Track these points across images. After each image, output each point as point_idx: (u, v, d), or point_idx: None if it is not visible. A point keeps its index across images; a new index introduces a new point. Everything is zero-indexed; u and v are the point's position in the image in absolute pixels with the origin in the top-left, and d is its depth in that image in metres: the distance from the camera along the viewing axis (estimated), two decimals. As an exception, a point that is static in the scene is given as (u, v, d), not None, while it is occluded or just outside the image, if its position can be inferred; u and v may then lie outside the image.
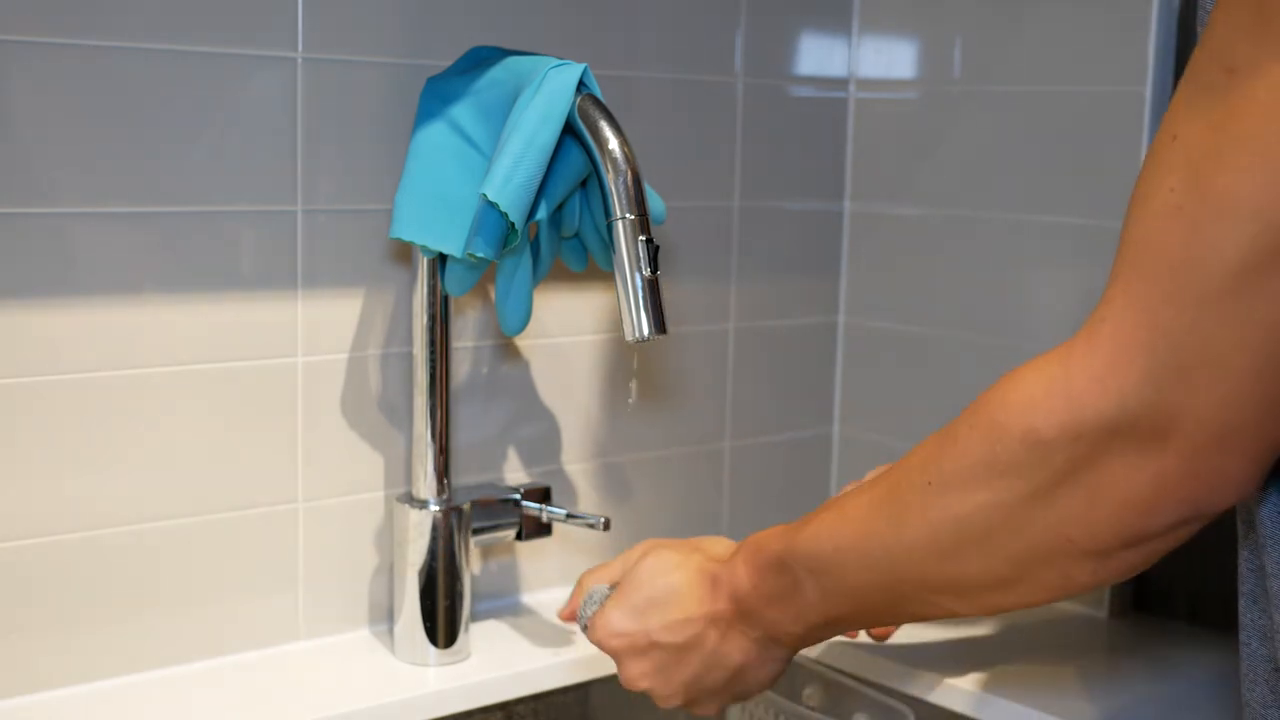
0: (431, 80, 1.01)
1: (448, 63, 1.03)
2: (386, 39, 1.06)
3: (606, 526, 1.10)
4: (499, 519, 1.12)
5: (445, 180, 0.97)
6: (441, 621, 1.06)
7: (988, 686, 1.05)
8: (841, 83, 1.36)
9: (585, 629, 0.93)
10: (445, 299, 1.03)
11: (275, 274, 1.03)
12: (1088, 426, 0.63)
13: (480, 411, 1.15)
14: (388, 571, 1.11)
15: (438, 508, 1.05)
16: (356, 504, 1.09)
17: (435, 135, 0.98)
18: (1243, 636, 0.72)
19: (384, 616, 1.12)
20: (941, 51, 1.30)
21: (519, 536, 1.14)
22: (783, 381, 1.36)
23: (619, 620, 0.88)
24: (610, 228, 0.89)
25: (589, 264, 1.03)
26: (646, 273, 0.88)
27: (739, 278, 1.31)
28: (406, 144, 1.01)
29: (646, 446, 1.26)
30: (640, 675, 0.89)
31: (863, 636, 1.08)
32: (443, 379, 1.04)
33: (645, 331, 0.89)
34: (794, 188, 1.34)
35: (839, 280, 1.39)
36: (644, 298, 0.89)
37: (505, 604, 1.19)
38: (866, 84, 1.36)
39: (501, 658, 1.08)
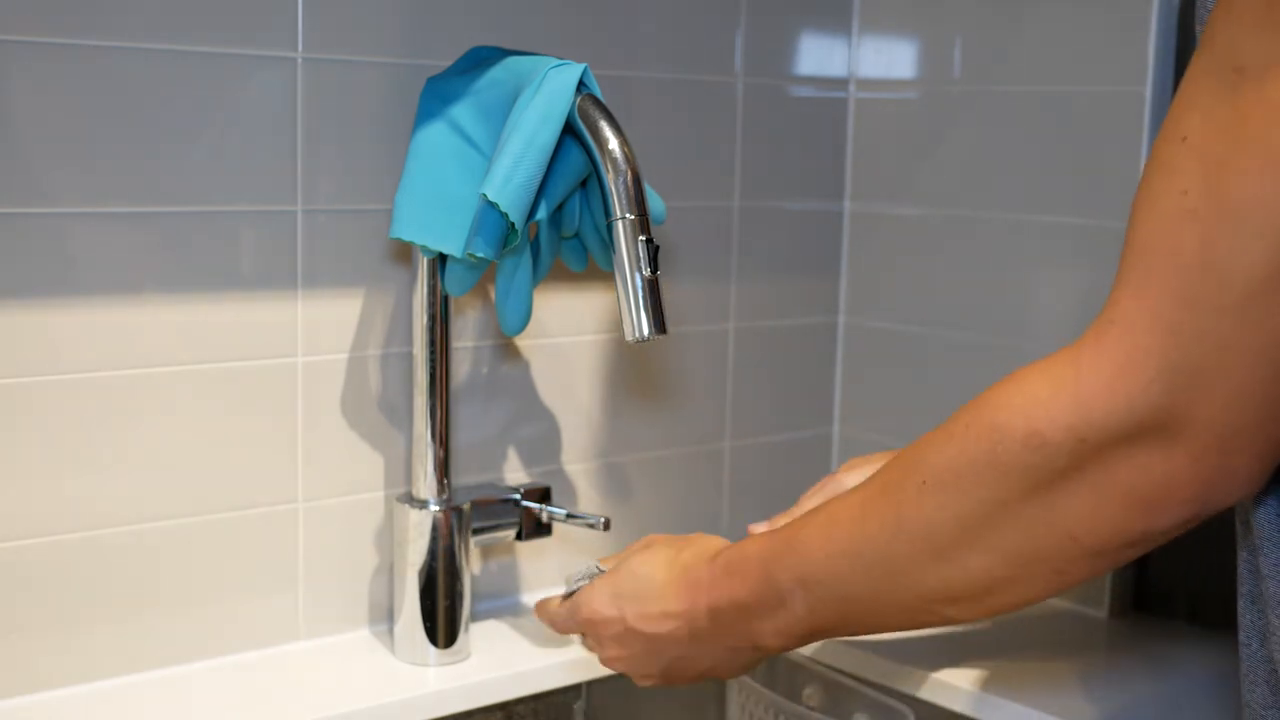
0: (431, 80, 1.01)
1: (448, 63, 1.03)
2: (386, 39, 1.06)
3: (606, 526, 1.10)
4: (499, 519, 1.12)
5: (445, 180, 0.97)
6: (441, 621, 1.06)
7: (987, 686, 1.05)
8: (841, 83, 1.36)
9: (560, 607, 0.98)
10: (445, 299, 1.03)
11: (275, 274, 1.03)
12: (1095, 429, 0.63)
13: (480, 411, 1.15)
14: (388, 571, 1.11)
15: (438, 508, 1.05)
16: (356, 504, 1.09)
17: (435, 135, 0.98)
18: (1242, 637, 0.71)
19: (384, 616, 1.12)
20: (941, 51, 1.30)
21: (519, 536, 1.14)
22: (783, 381, 1.36)
23: (599, 603, 0.93)
24: (610, 228, 0.89)
25: (589, 264, 1.03)
26: (646, 273, 0.88)
27: (739, 278, 1.31)
28: (406, 144, 1.01)
29: (646, 446, 1.26)
30: (614, 658, 0.93)
31: (850, 644, 1.08)
32: (443, 379, 1.04)
33: (645, 331, 0.89)
34: (794, 188, 1.34)
35: (839, 280, 1.39)
36: (644, 298, 0.89)
37: (505, 604, 1.19)
38: (866, 84, 1.36)
39: (501, 658, 1.08)
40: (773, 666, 1.15)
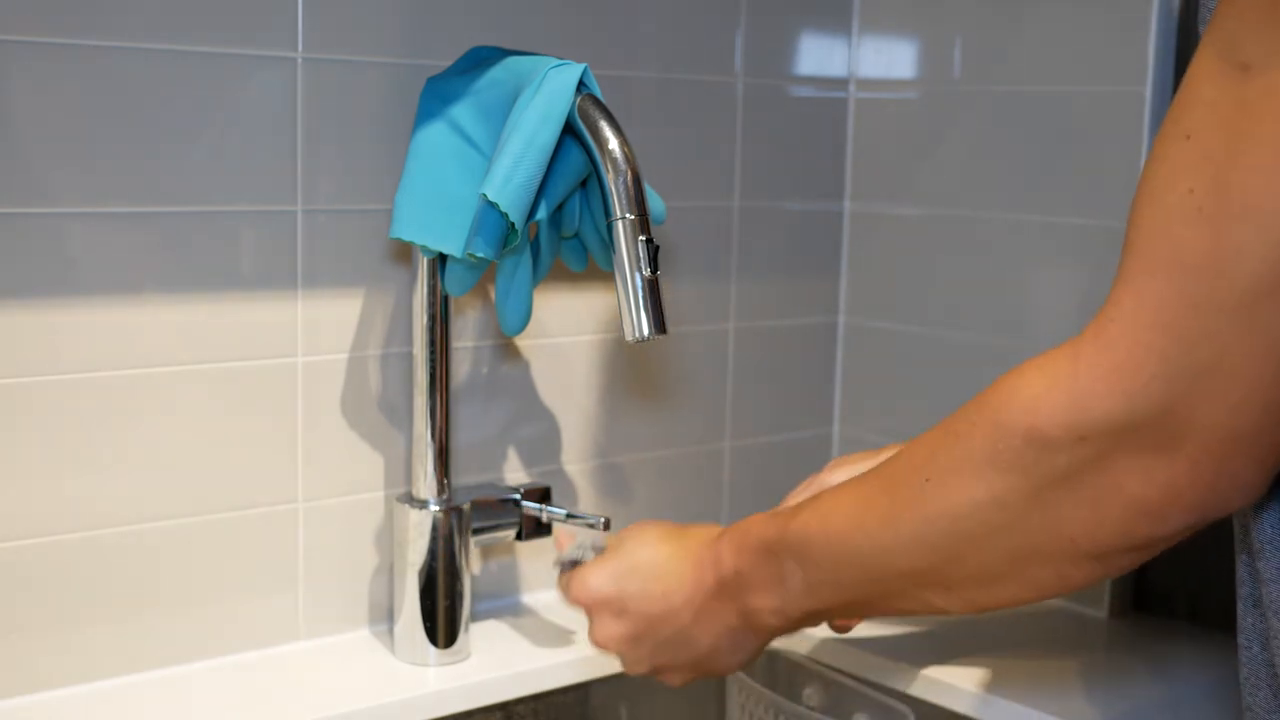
0: (431, 80, 1.01)
1: (448, 63, 1.03)
2: (386, 39, 1.06)
3: (607, 526, 1.10)
4: (499, 519, 1.12)
5: (445, 180, 0.97)
6: (441, 621, 1.06)
7: (988, 686, 1.05)
8: (841, 83, 1.36)
9: (562, 578, 0.94)
10: (445, 299, 1.03)
11: (275, 274, 1.03)
12: (1094, 427, 0.62)
13: (480, 411, 1.15)
14: (388, 571, 1.11)
15: (438, 508, 1.05)
16: (356, 504, 1.09)
17: (435, 135, 0.98)
18: (1242, 640, 0.71)
19: (384, 616, 1.12)
20: (941, 51, 1.30)
21: (519, 536, 1.14)
22: (783, 381, 1.36)
23: (597, 580, 0.90)
24: (610, 228, 0.89)
25: (589, 264, 1.03)
26: (646, 273, 0.88)
27: (739, 278, 1.31)
28: (406, 144, 1.01)
29: (646, 446, 1.26)
30: (609, 638, 0.90)
31: (850, 645, 1.08)
32: (443, 379, 1.04)
33: (645, 331, 0.89)
34: (794, 188, 1.34)
35: (839, 280, 1.39)
36: (644, 298, 0.89)
37: (505, 604, 1.19)
38: (866, 84, 1.36)
39: (501, 658, 1.08)
40: (773, 666, 1.15)
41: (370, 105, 1.06)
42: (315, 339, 1.06)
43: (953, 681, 1.06)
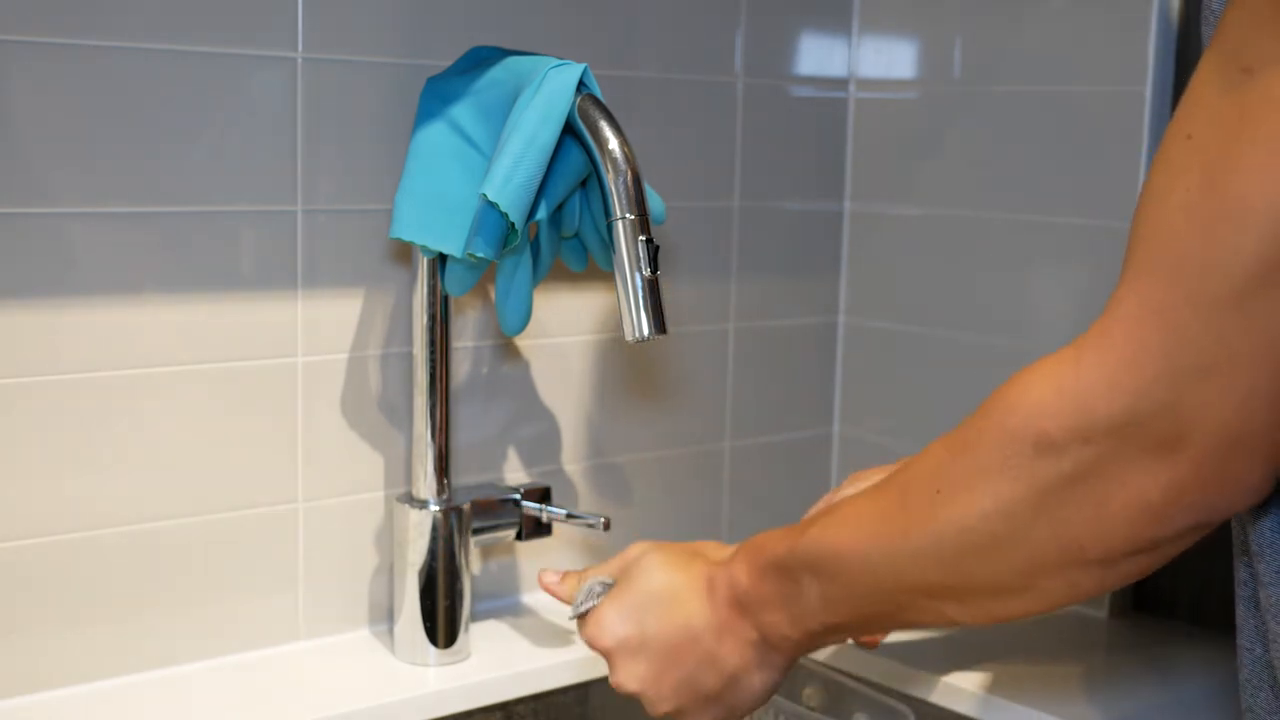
0: (431, 80, 1.01)
1: (448, 63, 1.03)
2: (386, 39, 1.06)
3: (606, 526, 1.10)
4: (499, 519, 1.12)
5: (445, 180, 0.97)
6: (441, 621, 1.06)
7: (988, 687, 1.05)
8: (841, 83, 1.36)
9: (578, 619, 0.90)
10: (445, 299, 1.03)
11: (275, 274, 1.03)
12: (1098, 429, 0.62)
13: (480, 411, 1.15)
14: (388, 571, 1.11)
15: (438, 508, 1.05)
16: (356, 504, 1.09)
17: (435, 135, 0.98)
18: (1242, 641, 0.71)
19: (384, 616, 1.12)
20: (941, 51, 1.30)
21: (519, 536, 1.14)
22: (783, 381, 1.36)
23: (614, 620, 0.87)
24: (610, 228, 0.89)
25: (589, 264, 1.03)
26: (646, 273, 0.88)
27: (739, 278, 1.31)
28: (406, 144, 1.01)
29: (646, 446, 1.26)
30: (631, 677, 0.87)
31: (850, 644, 1.08)
32: (443, 379, 1.04)
33: (645, 331, 0.89)
34: (794, 188, 1.34)
35: (839, 280, 1.39)
36: (644, 298, 0.89)
37: (505, 604, 1.19)
38: (866, 84, 1.36)
39: (501, 658, 1.08)
40: (773, 666, 1.15)
41: (370, 105, 1.06)
42: (315, 339, 1.06)
43: (953, 682, 1.06)
